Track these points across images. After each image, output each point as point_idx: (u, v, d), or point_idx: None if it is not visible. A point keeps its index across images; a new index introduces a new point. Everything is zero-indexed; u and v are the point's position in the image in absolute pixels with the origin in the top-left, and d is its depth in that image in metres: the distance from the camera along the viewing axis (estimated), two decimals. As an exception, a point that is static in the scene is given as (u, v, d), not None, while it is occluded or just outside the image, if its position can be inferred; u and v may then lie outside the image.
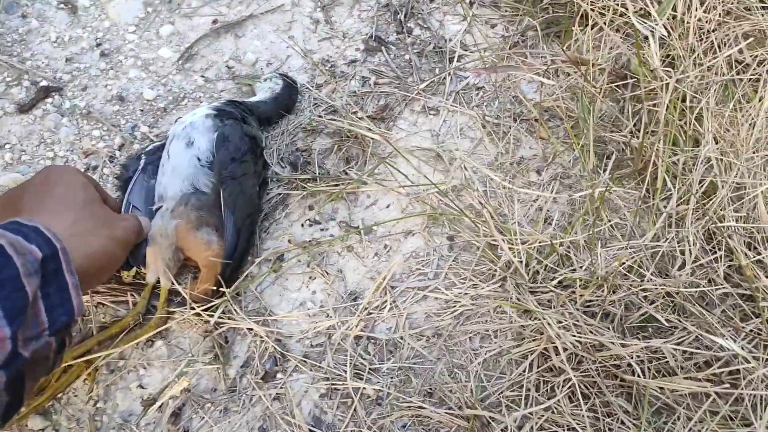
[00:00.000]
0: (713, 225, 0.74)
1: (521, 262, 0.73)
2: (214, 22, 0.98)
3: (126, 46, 0.96)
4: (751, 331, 0.69)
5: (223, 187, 0.71)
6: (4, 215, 0.55)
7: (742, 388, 0.64)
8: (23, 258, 0.44)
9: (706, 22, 0.85)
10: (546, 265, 0.73)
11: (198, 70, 0.94)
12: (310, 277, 0.78)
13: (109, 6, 0.99)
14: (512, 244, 0.74)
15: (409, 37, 0.98)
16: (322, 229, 0.81)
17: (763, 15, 0.85)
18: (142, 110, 0.90)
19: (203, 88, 0.92)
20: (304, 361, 0.72)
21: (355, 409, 0.69)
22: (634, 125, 0.83)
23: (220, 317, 0.72)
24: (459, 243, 0.79)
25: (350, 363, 0.71)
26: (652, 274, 0.72)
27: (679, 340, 0.68)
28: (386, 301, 0.75)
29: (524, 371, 0.69)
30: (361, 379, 0.71)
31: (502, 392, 0.68)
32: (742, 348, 0.66)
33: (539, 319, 0.70)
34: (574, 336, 0.66)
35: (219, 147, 0.71)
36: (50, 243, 0.47)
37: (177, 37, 0.97)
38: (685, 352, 0.67)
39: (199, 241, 0.70)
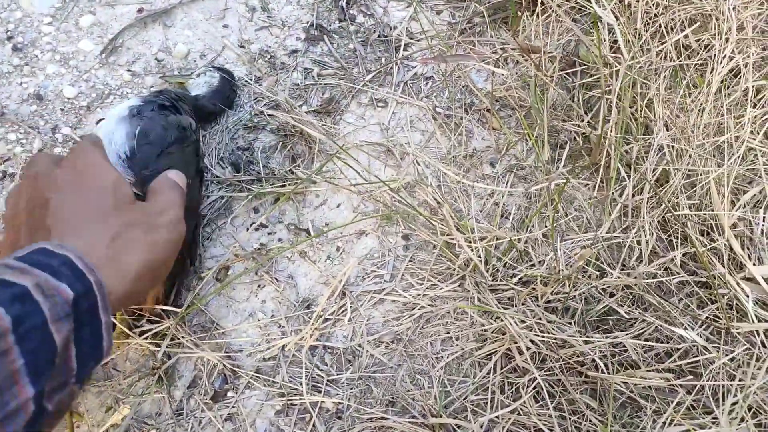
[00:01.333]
0: (668, 213, 0.73)
1: (480, 259, 0.70)
2: (140, 11, 0.90)
3: (42, 39, 0.87)
4: (707, 318, 0.69)
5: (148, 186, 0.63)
6: (33, 226, 0.48)
7: (703, 378, 0.64)
8: (51, 301, 0.38)
9: (653, 5, 0.84)
10: (505, 262, 0.71)
11: (123, 63, 0.86)
12: (258, 286, 0.73)
13: (20, -6, 0.89)
14: (470, 242, 0.71)
15: (352, 24, 0.93)
16: (269, 233, 0.76)
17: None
18: (62, 109, 0.82)
19: (130, 83, 0.85)
20: (257, 376, 0.67)
21: (314, 425, 0.65)
22: (586, 113, 0.82)
23: (165, 344, 0.66)
24: (414, 242, 0.76)
25: (306, 375, 0.67)
26: (609, 266, 0.71)
27: (640, 332, 0.68)
28: (342, 307, 0.71)
29: (488, 373, 0.67)
30: (319, 391, 0.67)
31: (466, 397, 0.66)
32: (700, 336, 0.66)
33: (501, 319, 0.67)
34: (537, 335, 0.64)
35: (140, 142, 0.63)
36: (83, 278, 0.41)
37: (99, 28, 0.89)
38: (645, 343, 0.67)
39: None
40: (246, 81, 0.86)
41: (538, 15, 0.87)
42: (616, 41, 0.85)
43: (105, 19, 0.89)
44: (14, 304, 0.36)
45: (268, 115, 0.82)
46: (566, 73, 0.85)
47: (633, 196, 0.74)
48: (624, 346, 0.66)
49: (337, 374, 0.68)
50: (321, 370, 0.68)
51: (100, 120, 0.81)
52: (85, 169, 0.51)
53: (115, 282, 0.44)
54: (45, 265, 0.39)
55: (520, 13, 0.90)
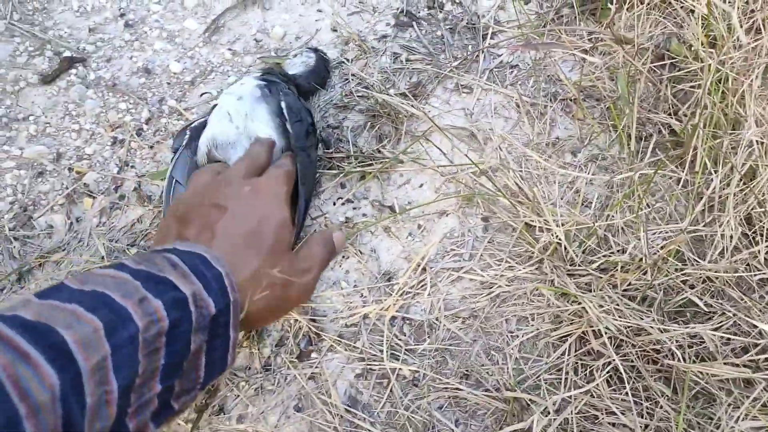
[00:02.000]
0: (754, 210, 0.73)
1: (560, 244, 0.72)
2: (241, -7, 0.96)
3: (150, 17, 0.93)
4: (790, 317, 0.68)
5: (299, 160, 0.66)
6: (203, 224, 0.52)
7: (784, 375, 0.64)
8: (199, 312, 0.43)
9: (750, 2, 0.83)
10: (585, 248, 0.73)
11: (225, 43, 0.92)
12: (343, 257, 0.77)
13: (133, -25, 0.96)
14: (550, 226, 0.73)
15: (440, 12, 0.96)
16: (354, 208, 0.80)
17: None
18: (168, 83, 0.88)
19: (231, 61, 0.90)
20: (339, 341, 0.71)
21: (391, 390, 0.69)
22: (674, 107, 0.82)
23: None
24: (494, 224, 0.78)
25: (386, 343, 0.70)
26: (691, 258, 0.71)
27: (719, 325, 0.68)
28: (421, 281, 0.74)
29: (563, 354, 0.68)
30: (397, 359, 0.70)
31: (540, 375, 0.68)
32: (782, 334, 0.66)
33: (578, 303, 0.69)
34: (615, 320, 0.65)
35: (292, 119, 0.67)
36: (226, 294, 0.45)
37: (202, 9, 0.94)
38: (723, 337, 0.67)
39: None
40: (337, 63, 0.90)
41: (629, 8, 0.87)
42: (708, 35, 0.84)
43: (208, 1, 0.95)
44: (174, 308, 0.41)
45: (359, 96, 0.86)
46: (655, 66, 0.85)
47: (719, 190, 0.74)
48: (701, 337, 0.67)
49: (415, 344, 0.71)
50: (400, 339, 0.71)
51: (203, 93, 0.87)
52: (267, 199, 0.55)
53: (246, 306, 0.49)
54: (201, 275, 0.44)
55: (610, 5, 0.90)
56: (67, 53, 0.89)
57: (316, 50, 0.86)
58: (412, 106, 0.84)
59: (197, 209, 0.54)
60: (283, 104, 0.68)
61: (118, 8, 0.94)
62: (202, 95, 0.86)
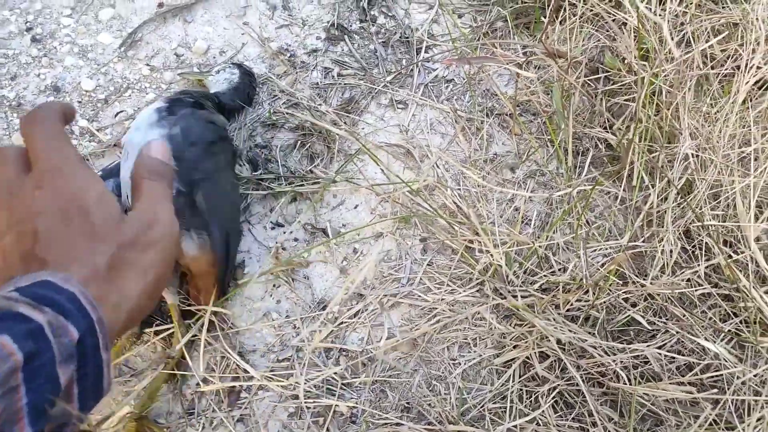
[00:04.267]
0: (692, 224, 0.72)
1: (500, 265, 0.69)
2: (160, 5, 0.90)
3: (61, 31, 0.86)
4: (729, 331, 0.67)
5: (199, 192, 0.62)
6: (24, 256, 0.42)
7: (727, 392, 0.62)
8: (59, 341, 0.37)
9: (680, 14, 0.83)
10: (526, 268, 0.70)
11: (143, 57, 0.86)
12: (274, 285, 0.72)
13: (40, -15, 0.89)
14: (490, 247, 0.70)
15: (373, 25, 0.92)
16: (285, 232, 0.75)
17: (731, 9, 0.84)
18: (80, 101, 0.81)
19: (149, 78, 0.84)
20: (270, 377, 0.66)
21: (327, 429, 0.64)
22: (609, 120, 0.81)
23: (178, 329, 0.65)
24: (433, 245, 0.75)
25: (321, 378, 0.66)
26: (631, 276, 0.70)
27: (662, 344, 0.66)
28: (358, 309, 0.70)
29: (507, 381, 0.65)
30: (334, 395, 0.65)
31: (484, 405, 0.64)
32: (724, 349, 0.65)
33: (521, 325, 0.66)
34: (559, 344, 0.63)
35: (184, 143, 0.61)
36: (87, 315, 0.39)
37: (118, 22, 0.88)
38: (667, 355, 0.66)
39: (189, 248, 0.62)
40: (265, 79, 0.85)
41: (562, 21, 0.86)
42: (641, 48, 0.84)
43: (125, 13, 0.89)
44: (28, 340, 0.35)
45: (287, 113, 0.81)
46: (589, 80, 0.84)
47: (657, 205, 0.73)
48: (646, 357, 0.65)
49: (352, 378, 0.67)
50: (335, 373, 0.67)
51: (119, 113, 0.80)
52: (65, 185, 0.45)
53: (115, 316, 0.41)
54: (52, 302, 0.38)
55: (543, 19, 0.89)
56: (-36, 70, 0.81)
57: (240, 66, 0.81)
58: (343, 128, 0.80)
59: (8, 244, 0.43)
60: (176, 129, 0.62)
61: (25, 21, 0.86)
62: (117, 114, 0.80)
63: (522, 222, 0.75)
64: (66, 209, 0.44)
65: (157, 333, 0.65)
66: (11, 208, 0.44)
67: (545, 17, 0.89)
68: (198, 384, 0.65)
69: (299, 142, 0.80)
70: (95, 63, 0.84)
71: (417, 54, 0.89)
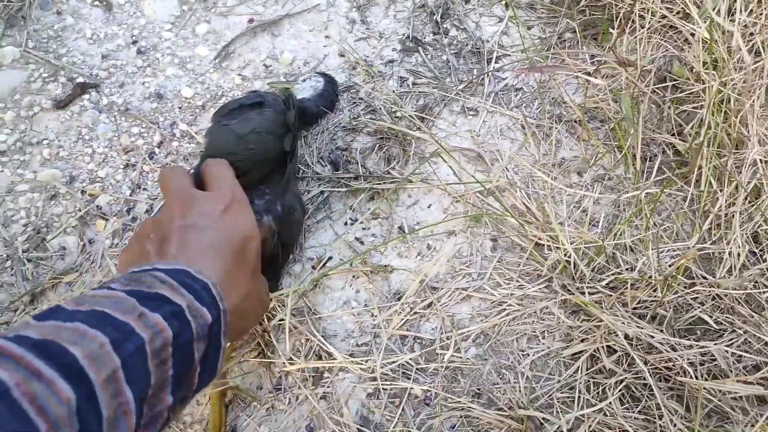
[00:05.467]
0: (760, 228, 0.73)
1: (569, 262, 0.72)
2: (250, 20, 0.98)
3: (162, 44, 0.95)
4: (800, 334, 0.68)
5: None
6: (180, 242, 0.51)
7: (797, 391, 0.64)
8: (197, 322, 0.43)
9: (749, 25, 0.85)
10: (594, 267, 0.73)
11: (235, 68, 0.94)
12: (353, 276, 0.77)
13: (144, 4, 0.99)
14: (559, 244, 0.74)
15: (445, 37, 0.98)
16: (364, 229, 0.81)
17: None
18: (180, 107, 0.90)
19: (241, 86, 0.92)
20: (350, 360, 0.71)
21: (403, 409, 0.68)
22: (677, 127, 0.83)
23: (268, 314, 0.71)
24: (502, 243, 0.79)
25: (397, 362, 0.70)
26: (699, 275, 0.72)
27: (729, 342, 0.68)
28: (431, 300, 0.75)
29: (575, 372, 0.68)
30: (409, 378, 0.70)
31: (552, 394, 0.68)
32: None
33: (588, 320, 0.69)
34: (627, 339, 0.65)
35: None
36: (216, 304, 0.46)
37: (213, 36, 0.97)
38: (734, 354, 0.67)
39: None
40: (346, 87, 0.91)
41: (631, 31, 0.89)
42: (709, 57, 0.86)
43: (219, 28, 0.97)
44: (173, 320, 0.42)
45: (367, 119, 0.87)
46: (657, 88, 0.87)
47: (725, 208, 0.75)
48: (713, 355, 0.67)
49: (426, 363, 0.71)
50: (410, 358, 0.71)
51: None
52: (242, 220, 0.55)
53: (233, 324, 0.49)
54: (190, 288, 0.44)
55: (612, 30, 0.92)
56: (80, 79, 0.91)
57: (324, 75, 0.88)
58: (419, 129, 0.85)
59: (174, 229, 0.52)
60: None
61: (131, 35, 0.96)
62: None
63: (590, 223, 0.78)
64: (227, 228, 0.53)
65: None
66: (194, 211, 0.53)
67: (613, 28, 0.92)
68: (284, 363, 0.71)
69: (377, 145, 0.86)
70: (193, 73, 0.93)
71: (487, 64, 0.94)
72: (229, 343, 0.59)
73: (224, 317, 0.46)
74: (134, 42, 0.96)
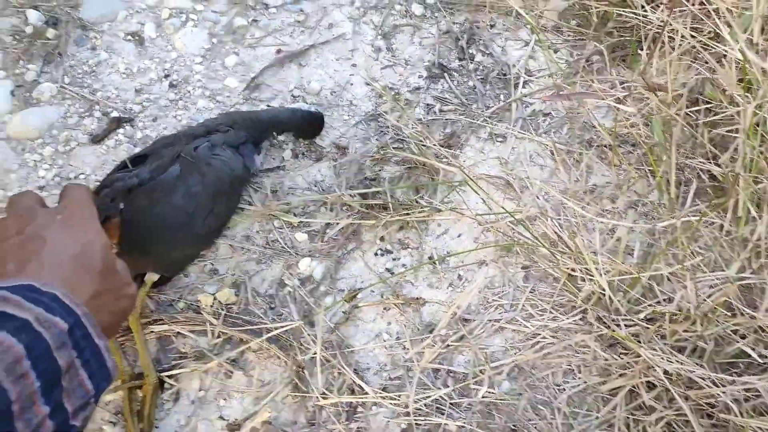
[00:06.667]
0: (803, 256, 0.71)
1: (603, 294, 0.71)
2: (278, 51, 0.99)
3: (193, 77, 0.97)
4: None
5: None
6: (23, 257, 0.51)
7: None
8: (50, 332, 0.43)
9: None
10: (629, 298, 0.72)
11: (264, 99, 0.95)
12: (384, 308, 0.77)
13: (175, 37, 1.01)
14: (592, 275, 0.72)
15: (471, 63, 0.98)
16: (394, 259, 0.81)
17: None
18: (211, 140, 0.91)
19: (270, 117, 0.93)
20: (384, 394, 0.71)
21: (437, 445, 0.68)
22: (712, 152, 0.82)
23: (300, 347, 0.71)
24: (534, 273, 0.78)
25: (430, 397, 0.70)
26: (739, 308, 0.70)
27: (774, 377, 0.66)
28: (463, 333, 0.74)
29: (613, 409, 0.67)
30: (443, 413, 0.69)
31: (590, 431, 0.66)
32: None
33: (626, 354, 0.68)
34: (667, 372, 0.64)
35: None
36: (71, 312, 0.46)
37: (242, 67, 0.98)
38: (779, 389, 0.65)
39: None
40: (372, 115, 0.92)
41: (661, 53, 0.88)
42: (744, 79, 0.84)
43: (247, 59, 0.99)
44: (21, 334, 0.41)
45: (395, 148, 0.88)
46: (690, 111, 0.85)
47: (765, 237, 0.73)
48: (757, 390, 0.65)
49: (459, 398, 0.70)
50: (443, 391, 0.71)
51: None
52: (81, 224, 0.55)
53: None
54: (37, 301, 0.44)
55: (640, 51, 0.91)
56: (115, 113, 0.93)
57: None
58: (448, 162, 0.85)
59: (11, 246, 0.52)
60: None
61: (163, 69, 0.98)
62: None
63: (624, 252, 0.77)
64: (76, 239, 0.53)
65: (281, 348, 0.72)
66: (26, 220, 0.53)
67: (642, 50, 0.91)
68: (317, 398, 0.71)
69: (405, 174, 0.86)
70: (223, 105, 0.94)
71: (514, 89, 0.94)
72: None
73: (87, 320, 0.46)
74: (166, 75, 0.98)
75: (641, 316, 0.69)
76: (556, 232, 0.78)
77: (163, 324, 0.74)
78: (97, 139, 0.91)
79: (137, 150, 0.89)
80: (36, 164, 0.89)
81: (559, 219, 0.81)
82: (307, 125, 0.90)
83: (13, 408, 0.39)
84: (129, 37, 1.01)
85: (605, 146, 0.87)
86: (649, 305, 0.70)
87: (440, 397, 0.70)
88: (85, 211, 0.56)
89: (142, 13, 1.03)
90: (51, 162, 0.90)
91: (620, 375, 0.68)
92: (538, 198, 0.83)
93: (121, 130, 0.92)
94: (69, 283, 0.49)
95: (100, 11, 1.03)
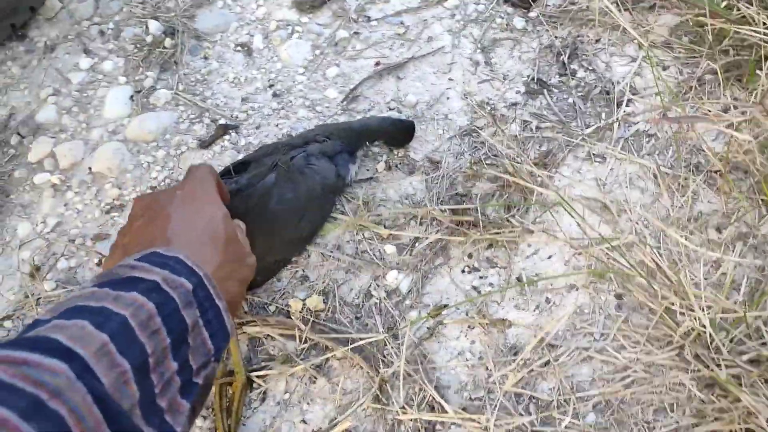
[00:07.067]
0: None
1: (704, 331, 0.67)
2: (377, 64, 1.01)
3: (296, 87, 1.01)
4: None
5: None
6: (152, 234, 0.54)
7: None
8: (177, 292, 0.45)
9: None
10: (732, 337, 0.67)
11: (361, 110, 0.97)
12: (469, 326, 0.77)
13: (281, 48, 1.05)
14: (693, 310, 0.69)
15: (572, 79, 0.95)
16: (481, 277, 0.80)
17: None
18: (308, 149, 0.95)
19: (365, 128, 0.95)
20: (463, 415, 0.71)
21: (516, 471, 0.67)
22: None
23: (383, 360, 0.73)
24: (628, 302, 0.75)
25: (512, 423, 0.69)
26: None
27: None
28: (549, 358, 0.72)
29: (707, 454, 0.63)
30: (523, 439, 0.68)
31: (680, 474, 0.63)
32: None
33: (725, 397, 0.64)
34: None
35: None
36: (194, 272, 0.48)
37: (342, 79, 1.01)
38: None
39: None
40: (468, 131, 0.92)
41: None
42: None
43: (347, 71, 1.02)
44: (151, 293, 0.43)
45: (487, 164, 0.87)
46: (814, 139, 0.79)
47: None
48: None
49: (542, 426, 0.69)
50: (526, 418, 0.70)
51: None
52: (201, 198, 0.58)
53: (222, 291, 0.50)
54: (163, 264, 0.46)
55: (759, 72, 0.85)
56: (222, 121, 0.99)
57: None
58: (542, 182, 0.83)
59: (141, 227, 0.55)
60: None
61: (268, 80, 1.03)
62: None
63: (729, 287, 0.72)
64: (198, 212, 0.56)
65: (365, 358, 0.74)
66: (155, 199, 0.57)
67: (761, 69, 0.85)
68: (397, 412, 0.72)
69: (497, 192, 0.85)
70: (322, 115, 0.98)
71: (617, 108, 0.90)
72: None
73: (208, 281, 0.48)
74: (271, 85, 1.02)
75: (744, 358, 0.65)
76: (654, 261, 0.75)
77: (255, 326, 0.77)
78: (205, 144, 0.97)
79: (240, 156, 0.95)
80: (149, 166, 0.96)
81: (659, 247, 0.77)
82: (397, 132, 0.91)
83: (149, 361, 0.41)
84: (238, 47, 1.07)
85: (714, 172, 0.82)
86: (755, 347, 0.65)
87: (522, 424, 0.69)
88: (205, 185, 0.60)
89: (251, 25, 1.09)
90: (162, 164, 0.96)
91: (716, 419, 0.64)
92: (636, 223, 0.79)
93: (227, 137, 0.97)
94: (195, 254, 0.51)
95: (213, 22, 1.10)
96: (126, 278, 0.45)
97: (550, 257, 0.80)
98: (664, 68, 0.93)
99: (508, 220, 0.82)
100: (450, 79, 0.98)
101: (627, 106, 0.90)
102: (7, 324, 0.84)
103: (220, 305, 0.49)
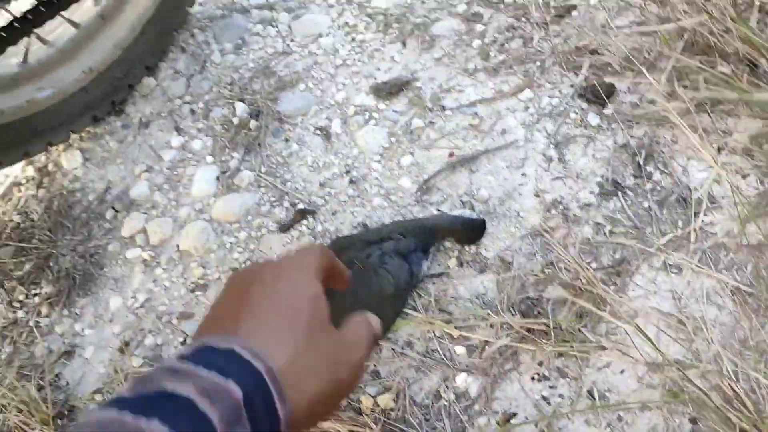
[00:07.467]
0: None
1: (785, 473, 0.66)
2: (450, 155, 1.04)
3: (371, 174, 1.05)
4: None
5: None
6: (232, 312, 0.46)
7: None
8: (221, 407, 0.36)
9: None
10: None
11: (434, 202, 1.00)
12: (538, 438, 0.77)
13: (358, 134, 1.10)
14: (773, 449, 0.67)
15: (648, 182, 0.95)
16: (551, 387, 0.81)
17: None
18: (382, 239, 0.98)
19: (438, 221, 0.98)
20: None
21: None
22: None
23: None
24: (704, 428, 0.74)
25: None
26: None
27: None
28: (620, 482, 0.72)
29: None
30: None
31: None
32: None
33: None
34: None
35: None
36: (249, 367, 0.39)
37: (416, 168, 1.04)
38: None
39: None
40: (538, 231, 0.93)
41: None
42: None
43: (421, 160, 1.05)
44: (179, 418, 0.35)
45: (559, 267, 0.88)
46: None
47: None
48: None
49: None
50: None
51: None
52: (290, 273, 0.48)
53: (293, 395, 0.41)
54: (210, 364, 0.38)
55: None
56: (301, 205, 1.04)
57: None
58: (615, 292, 0.83)
59: (217, 304, 0.48)
60: None
61: (345, 165, 1.07)
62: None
63: (812, 424, 0.70)
64: (281, 288, 0.46)
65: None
66: (243, 279, 0.49)
67: None
68: None
69: (569, 300, 0.86)
70: (396, 205, 1.01)
71: (695, 217, 0.90)
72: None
73: (269, 376, 0.39)
74: (347, 171, 1.07)
75: None
76: (731, 386, 0.74)
77: (326, 420, 0.80)
78: (284, 228, 1.02)
79: (317, 243, 0.99)
80: (232, 246, 1.02)
81: (737, 372, 0.76)
82: (468, 232, 0.94)
83: None
84: (317, 131, 1.12)
85: (796, 293, 0.80)
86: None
87: None
88: (306, 259, 0.50)
89: (330, 109, 1.14)
90: (244, 246, 1.02)
91: None
92: (711, 342, 0.78)
93: (304, 222, 1.02)
94: (266, 342, 0.42)
95: (295, 105, 1.16)
96: (154, 395, 0.37)
97: (622, 371, 0.80)
98: (744, 176, 0.92)
99: (579, 330, 0.83)
100: (523, 174, 1.00)
101: (705, 215, 0.89)
102: (98, 397, 0.90)
103: (281, 414, 0.39)
